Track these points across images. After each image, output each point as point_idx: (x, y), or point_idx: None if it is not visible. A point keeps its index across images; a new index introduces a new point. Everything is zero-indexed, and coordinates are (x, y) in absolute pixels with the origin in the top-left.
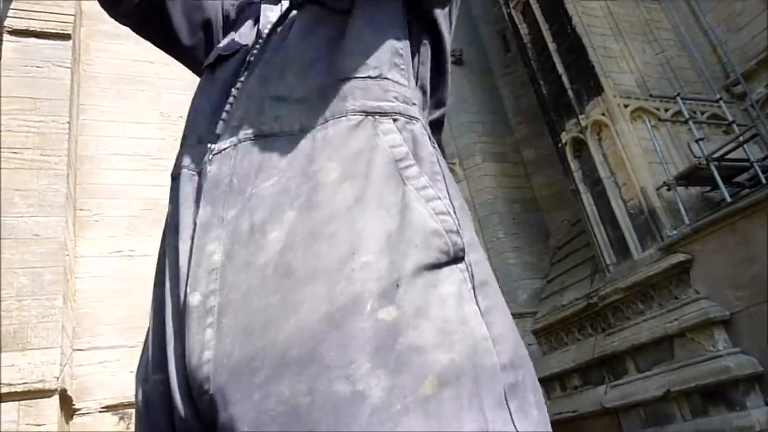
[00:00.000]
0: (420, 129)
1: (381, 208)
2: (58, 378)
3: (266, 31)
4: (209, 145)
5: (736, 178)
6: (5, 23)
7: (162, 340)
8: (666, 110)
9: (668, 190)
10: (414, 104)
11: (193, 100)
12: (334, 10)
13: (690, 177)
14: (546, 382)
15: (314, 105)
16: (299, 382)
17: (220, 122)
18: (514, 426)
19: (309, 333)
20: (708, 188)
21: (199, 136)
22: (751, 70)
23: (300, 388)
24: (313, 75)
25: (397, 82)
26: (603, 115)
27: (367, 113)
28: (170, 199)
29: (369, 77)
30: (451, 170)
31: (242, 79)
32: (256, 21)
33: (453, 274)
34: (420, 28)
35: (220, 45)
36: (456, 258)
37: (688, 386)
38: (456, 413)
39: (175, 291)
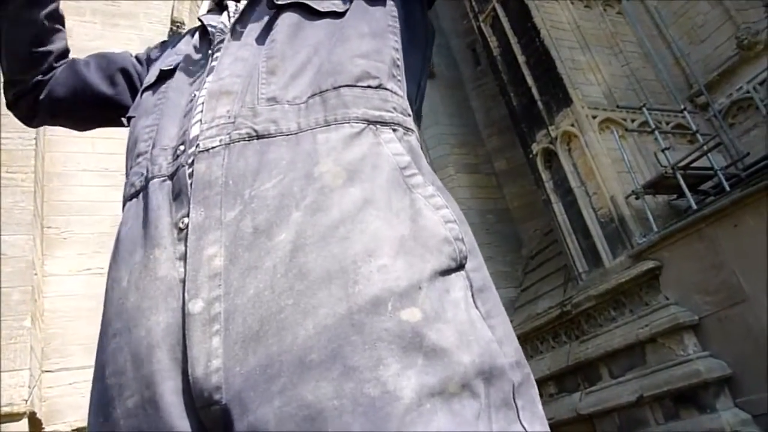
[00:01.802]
0: (415, 140)
1: (391, 212)
2: (26, 401)
3: (224, 35)
4: (184, 148)
5: (701, 186)
6: None
7: (137, 360)
8: (633, 121)
9: (636, 198)
10: (410, 115)
11: (137, 120)
12: (323, 12)
13: (657, 185)
14: None
15: (312, 108)
16: (324, 386)
17: (197, 124)
18: (522, 425)
19: (329, 335)
20: (675, 196)
21: (162, 145)
22: (714, 81)
23: (325, 391)
24: (306, 77)
25: (395, 92)
26: (572, 126)
27: (369, 122)
28: (131, 212)
29: (369, 87)
30: None
31: (210, 79)
32: (196, 34)
33: (459, 280)
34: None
35: (157, 66)
36: (461, 265)
37: (661, 390)
38: (476, 412)
39: (152, 303)
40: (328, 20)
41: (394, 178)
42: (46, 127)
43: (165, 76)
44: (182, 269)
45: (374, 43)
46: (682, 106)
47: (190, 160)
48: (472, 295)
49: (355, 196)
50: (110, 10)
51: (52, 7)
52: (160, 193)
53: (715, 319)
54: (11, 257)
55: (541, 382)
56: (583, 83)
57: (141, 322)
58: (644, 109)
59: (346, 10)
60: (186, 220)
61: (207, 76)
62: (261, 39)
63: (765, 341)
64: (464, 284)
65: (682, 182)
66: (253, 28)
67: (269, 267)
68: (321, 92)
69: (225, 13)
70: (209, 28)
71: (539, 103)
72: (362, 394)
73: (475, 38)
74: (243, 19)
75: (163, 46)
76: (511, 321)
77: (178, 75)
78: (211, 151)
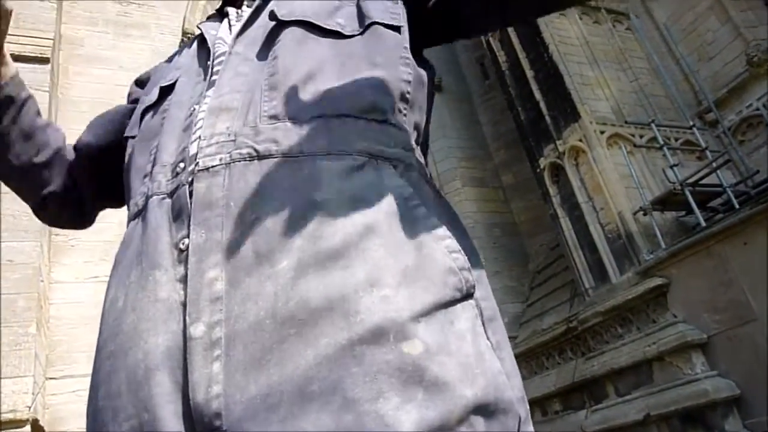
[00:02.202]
0: (417, 176)
1: (394, 242)
2: (30, 407)
3: (226, 46)
4: (184, 166)
5: (710, 203)
6: None
7: (133, 383)
8: (641, 136)
9: (644, 214)
10: (412, 150)
11: (139, 142)
12: (327, 30)
13: (665, 202)
14: None
15: (316, 132)
16: (324, 418)
17: (196, 141)
18: None
19: (330, 366)
20: (683, 213)
21: (162, 162)
22: (723, 98)
23: (325, 423)
24: (308, 93)
25: (400, 128)
26: (580, 141)
27: (372, 156)
28: (132, 232)
29: (375, 120)
30: None
31: (210, 94)
32: (194, 44)
33: (466, 310)
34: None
35: (158, 83)
36: (468, 294)
37: (668, 410)
38: None
39: (150, 325)
40: (332, 39)
41: (397, 209)
42: None
43: (166, 92)
44: (183, 292)
45: (385, 74)
46: (691, 123)
47: (189, 179)
48: (483, 324)
49: (357, 223)
50: (122, 20)
51: (23, 118)
52: (159, 212)
53: (723, 338)
54: (18, 264)
55: (546, 399)
56: (592, 98)
57: (138, 344)
58: (653, 125)
59: (355, 33)
60: (186, 241)
61: (207, 90)
62: (262, 54)
63: None
64: (472, 314)
65: (690, 199)
66: (254, 42)
67: (270, 293)
68: (325, 116)
69: (225, 22)
70: (208, 38)
71: (547, 118)
72: (362, 427)
73: (483, 52)
74: (244, 32)
75: (163, 64)
76: (517, 336)
77: (179, 89)
78: (211, 170)
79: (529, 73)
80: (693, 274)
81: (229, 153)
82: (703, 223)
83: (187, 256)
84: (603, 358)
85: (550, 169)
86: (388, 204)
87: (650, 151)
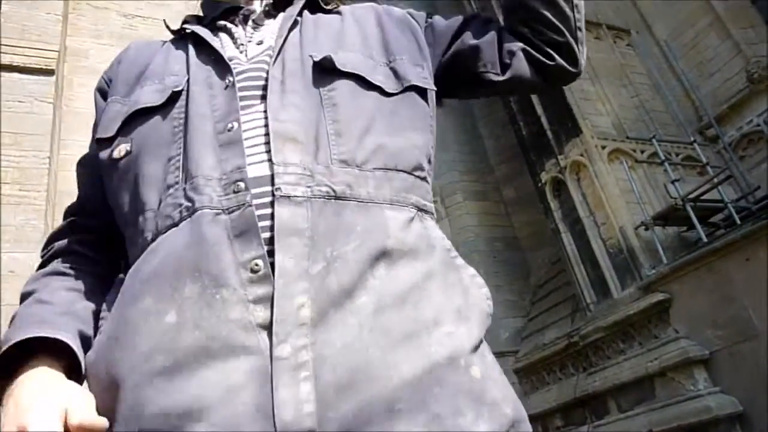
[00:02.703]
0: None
1: (447, 286)
2: None
3: (244, 64)
4: (245, 185)
5: (711, 219)
6: None
7: (210, 403)
8: (642, 152)
9: (646, 229)
10: (433, 200)
11: (150, 148)
12: (373, 84)
13: (667, 217)
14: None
15: (380, 181)
16: (413, 430)
17: (264, 164)
18: None
19: (413, 387)
20: (685, 228)
21: (204, 175)
22: (724, 114)
23: None
24: (368, 146)
25: (430, 184)
26: (581, 155)
27: (418, 209)
28: (166, 243)
29: (419, 177)
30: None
31: (253, 114)
32: (182, 51)
33: (487, 346)
34: None
35: (139, 81)
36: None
37: (670, 426)
38: None
39: (224, 345)
40: (376, 94)
41: (444, 258)
42: (60, 146)
43: (174, 98)
44: (259, 313)
45: (423, 138)
46: (692, 138)
47: (260, 201)
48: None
49: (419, 270)
50: (127, 33)
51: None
52: (215, 227)
53: (726, 354)
54: (21, 275)
55: (547, 415)
56: (593, 113)
57: (208, 364)
58: (654, 140)
59: (395, 92)
60: (260, 262)
61: (244, 109)
62: (312, 93)
63: None
64: (489, 349)
65: (692, 214)
66: (295, 76)
67: (354, 324)
68: (386, 169)
69: (225, 37)
70: (216, 47)
71: (548, 133)
72: None
73: None
74: (277, 58)
75: (127, 62)
76: (518, 351)
77: (195, 98)
78: (292, 199)
79: None
80: (695, 290)
81: (309, 187)
82: (705, 239)
83: (262, 277)
84: (605, 374)
85: (552, 184)
86: (438, 253)
87: (651, 166)
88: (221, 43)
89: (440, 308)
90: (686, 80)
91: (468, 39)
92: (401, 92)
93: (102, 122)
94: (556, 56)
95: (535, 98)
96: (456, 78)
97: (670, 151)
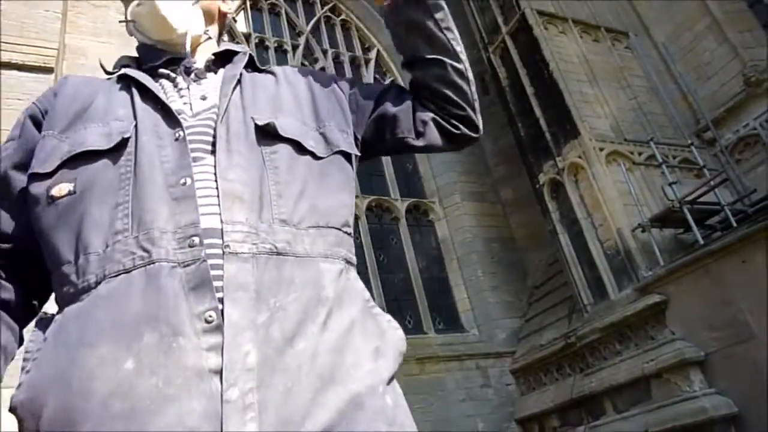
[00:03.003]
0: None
1: (366, 332)
2: None
3: (190, 119)
4: (199, 240)
5: (708, 221)
6: None
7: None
8: (640, 154)
9: (643, 231)
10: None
11: (95, 191)
12: (306, 149)
13: (664, 219)
14: (525, 423)
15: (315, 238)
16: None
17: (213, 218)
18: None
19: (340, 415)
20: (681, 230)
21: (159, 227)
22: (721, 117)
23: None
24: (303, 206)
25: (352, 238)
26: (579, 157)
27: (346, 261)
28: (120, 290)
29: (346, 233)
30: (431, 209)
31: (204, 172)
32: (139, 97)
33: (396, 382)
34: None
35: (81, 120)
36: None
37: (666, 427)
38: None
39: (179, 390)
40: (309, 158)
41: (364, 308)
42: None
43: (122, 144)
44: (212, 360)
45: (348, 197)
46: (689, 141)
47: (212, 254)
48: None
49: (345, 320)
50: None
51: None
52: (172, 280)
53: (721, 356)
54: None
55: (544, 416)
56: (591, 116)
57: (165, 408)
58: (651, 142)
59: (324, 156)
60: (213, 314)
61: (194, 162)
62: (254, 155)
63: None
64: (397, 384)
65: (689, 216)
66: (239, 137)
67: (294, 368)
68: (320, 226)
69: (170, 87)
70: (164, 100)
71: (547, 135)
72: None
73: (484, 68)
74: (224, 117)
75: (65, 97)
76: (515, 352)
77: (145, 148)
78: (239, 255)
79: (529, 90)
80: (691, 292)
81: (255, 244)
82: (701, 241)
83: (214, 327)
84: (601, 375)
85: (550, 185)
86: (359, 303)
87: (649, 168)
88: (165, 93)
89: (361, 352)
90: (684, 83)
91: (388, 108)
92: (330, 156)
93: (38, 156)
94: (461, 126)
95: (533, 100)
96: (379, 141)
97: (668, 153)
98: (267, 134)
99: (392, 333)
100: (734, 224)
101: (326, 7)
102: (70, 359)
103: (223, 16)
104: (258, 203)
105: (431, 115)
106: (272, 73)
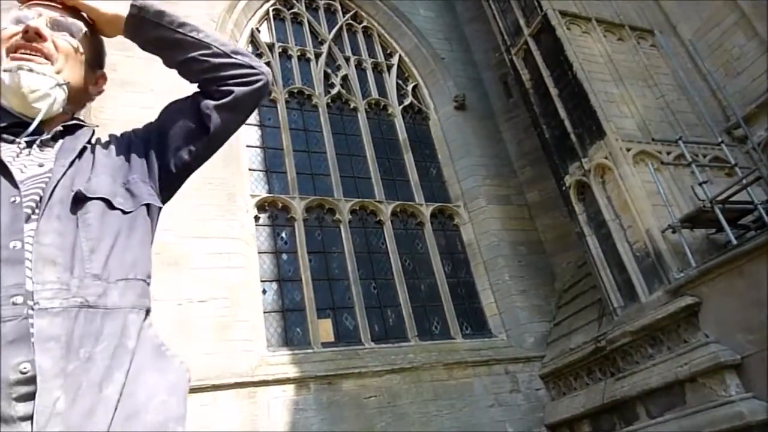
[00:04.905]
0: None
1: (161, 371)
2: None
3: (21, 185)
4: (23, 300)
5: (741, 221)
6: None
7: None
8: (668, 153)
9: (673, 232)
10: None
11: None
12: (117, 207)
13: (695, 219)
14: (555, 428)
15: (124, 291)
16: None
17: (31, 282)
18: None
19: None
20: (713, 231)
21: None
22: (752, 114)
23: None
24: (113, 262)
25: (150, 286)
26: (606, 158)
27: (147, 310)
28: None
29: (147, 283)
30: (456, 213)
31: (19, 237)
32: None
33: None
34: None
35: None
36: None
37: None
38: None
39: None
40: (119, 212)
41: (158, 351)
42: None
43: None
44: (21, 408)
45: (148, 250)
46: (720, 139)
47: (31, 312)
48: None
49: (141, 363)
50: None
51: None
52: None
53: (758, 359)
54: None
55: (575, 421)
56: (617, 116)
57: None
58: (680, 141)
59: (132, 210)
60: (27, 365)
61: (27, 232)
62: (71, 217)
63: None
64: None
65: (720, 216)
66: (63, 203)
67: (102, 412)
68: (128, 279)
69: (11, 150)
70: (12, 173)
71: (572, 136)
72: None
73: (506, 71)
74: (52, 188)
75: None
76: (544, 356)
77: None
78: (49, 310)
79: (554, 91)
80: (725, 293)
81: (66, 299)
82: (734, 241)
83: (28, 378)
84: (633, 379)
85: (576, 187)
86: (151, 349)
87: (678, 168)
88: (9, 156)
89: (155, 387)
90: (712, 80)
91: (164, 124)
92: (136, 209)
93: None
94: (236, 87)
95: (558, 101)
96: (177, 157)
97: (697, 152)
98: (79, 199)
99: (181, 373)
100: None
101: (348, 15)
102: None
103: (89, 97)
104: (71, 261)
105: (212, 102)
106: (111, 140)
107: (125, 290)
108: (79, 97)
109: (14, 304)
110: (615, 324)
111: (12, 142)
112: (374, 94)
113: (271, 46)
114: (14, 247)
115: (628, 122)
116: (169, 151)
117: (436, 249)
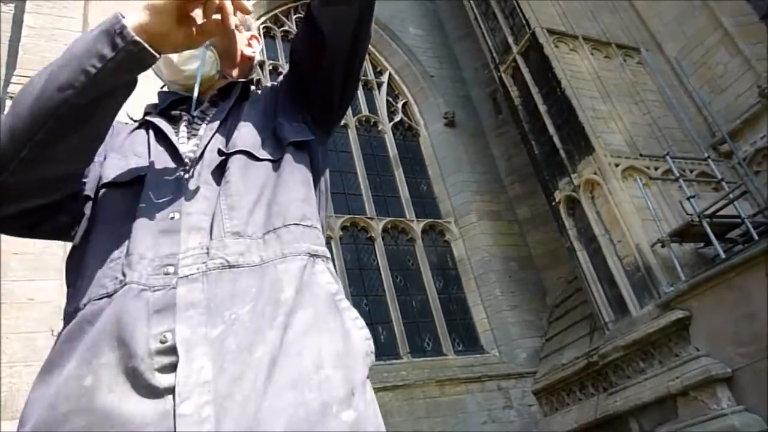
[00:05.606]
0: (331, 266)
1: (329, 332)
2: None
3: (186, 162)
4: (174, 269)
5: (728, 234)
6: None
7: None
8: (656, 168)
9: (663, 246)
10: (324, 243)
11: (106, 221)
12: (261, 159)
13: (684, 234)
14: None
15: (270, 243)
16: None
17: (180, 254)
18: None
19: (298, 423)
20: (702, 244)
21: (140, 253)
22: (737, 129)
23: None
24: (259, 214)
25: (320, 230)
26: (595, 174)
27: (310, 254)
28: (97, 312)
29: (307, 226)
30: (447, 229)
31: (184, 210)
32: (154, 138)
33: (368, 382)
34: None
35: (117, 162)
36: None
37: None
38: None
39: (135, 408)
40: (266, 163)
41: (329, 303)
42: None
43: (137, 180)
44: (164, 379)
45: (305, 190)
46: (706, 154)
47: (174, 281)
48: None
49: (304, 319)
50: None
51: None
52: (138, 302)
53: (750, 372)
54: (39, 302)
55: None
56: (605, 132)
57: (121, 422)
58: (668, 157)
59: (280, 158)
60: (169, 335)
61: (184, 202)
62: (216, 178)
63: None
64: (370, 386)
65: (708, 230)
66: (209, 166)
67: (251, 378)
68: (275, 229)
69: (182, 128)
70: (175, 143)
71: (561, 152)
72: None
73: (496, 88)
74: (203, 156)
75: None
76: (536, 371)
77: (151, 186)
78: (189, 277)
79: (542, 108)
80: (715, 307)
81: (204, 263)
82: (723, 255)
83: (168, 348)
84: (626, 394)
85: (566, 202)
86: (322, 300)
87: (666, 183)
88: (177, 134)
89: (321, 354)
90: (698, 97)
91: (295, 47)
92: (285, 154)
93: (87, 177)
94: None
95: (546, 118)
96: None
97: (684, 167)
98: (225, 155)
99: (356, 333)
100: (756, 237)
101: None
102: (49, 376)
103: (246, 59)
104: (211, 224)
105: (316, 2)
106: (262, 90)
107: (272, 241)
108: (233, 59)
109: (165, 273)
110: (606, 339)
111: (179, 118)
112: (364, 110)
113: (261, 64)
114: (172, 218)
115: (616, 138)
116: (305, 74)
117: (428, 265)
